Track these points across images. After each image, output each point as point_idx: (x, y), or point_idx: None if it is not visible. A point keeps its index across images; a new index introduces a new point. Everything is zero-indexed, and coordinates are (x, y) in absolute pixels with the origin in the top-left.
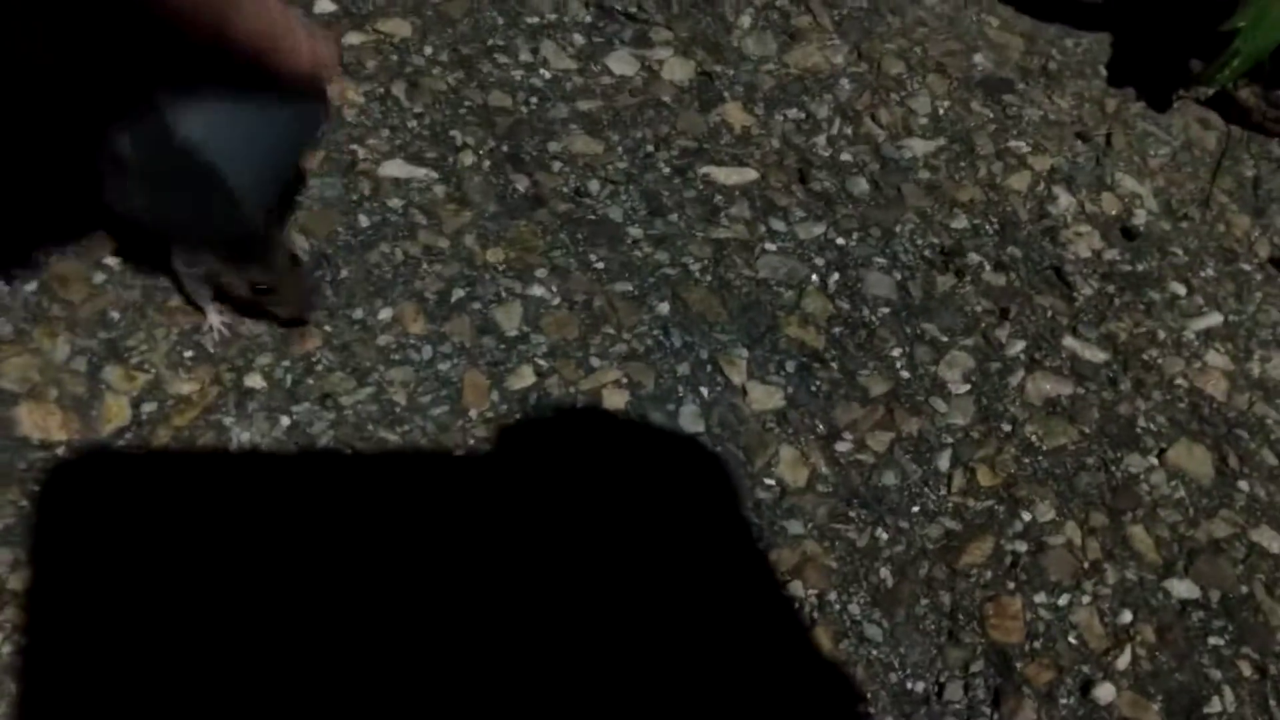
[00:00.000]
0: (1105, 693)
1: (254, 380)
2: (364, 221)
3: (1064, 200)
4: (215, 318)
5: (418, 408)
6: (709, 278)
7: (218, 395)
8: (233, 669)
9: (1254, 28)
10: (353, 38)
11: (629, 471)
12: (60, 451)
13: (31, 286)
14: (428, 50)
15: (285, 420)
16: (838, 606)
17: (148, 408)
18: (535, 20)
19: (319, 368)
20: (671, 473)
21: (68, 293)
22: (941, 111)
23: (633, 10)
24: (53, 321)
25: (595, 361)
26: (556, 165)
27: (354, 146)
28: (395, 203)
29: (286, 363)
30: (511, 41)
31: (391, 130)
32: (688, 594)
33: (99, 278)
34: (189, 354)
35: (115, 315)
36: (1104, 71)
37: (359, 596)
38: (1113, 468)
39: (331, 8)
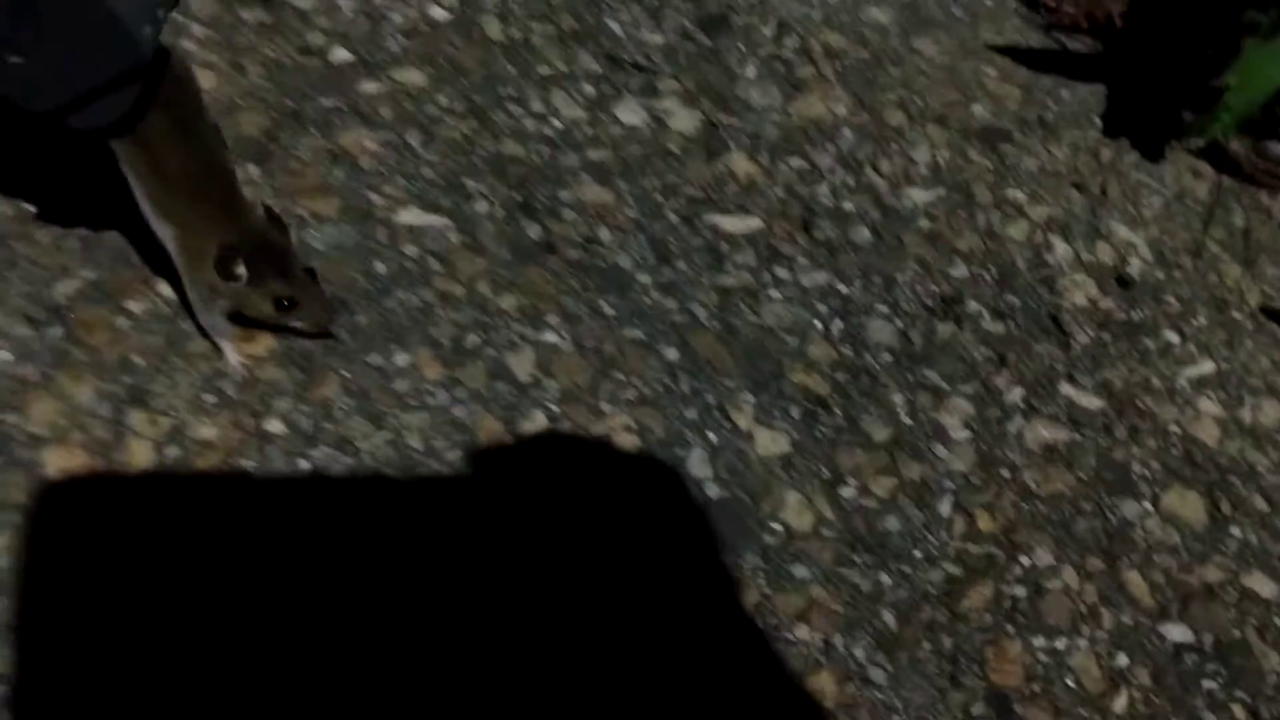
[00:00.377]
0: None
1: (274, 425)
2: (380, 268)
3: (1060, 249)
4: (234, 356)
5: (433, 452)
6: (716, 324)
7: (239, 440)
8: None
9: (1245, 83)
10: (369, 86)
11: (637, 515)
12: (82, 491)
13: (56, 331)
14: (442, 99)
15: (305, 464)
16: (843, 650)
17: (171, 452)
18: (546, 71)
19: (337, 413)
20: (679, 517)
21: (91, 337)
22: (941, 161)
23: (641, 61)
24: (77, 366)
25: (605, 407)
26: (567, 214)
27: (370, 194)
28: (411, 250)
29: (305, 408)
30: (523, 91)
31: (407, 178)
32: (696, 635)
33: (122, 323)
34: (210, 399)
35: (138, 360)
36: (1098, 122)
37: (373, 635)
38: (1109, 513)
39: (348, 57)
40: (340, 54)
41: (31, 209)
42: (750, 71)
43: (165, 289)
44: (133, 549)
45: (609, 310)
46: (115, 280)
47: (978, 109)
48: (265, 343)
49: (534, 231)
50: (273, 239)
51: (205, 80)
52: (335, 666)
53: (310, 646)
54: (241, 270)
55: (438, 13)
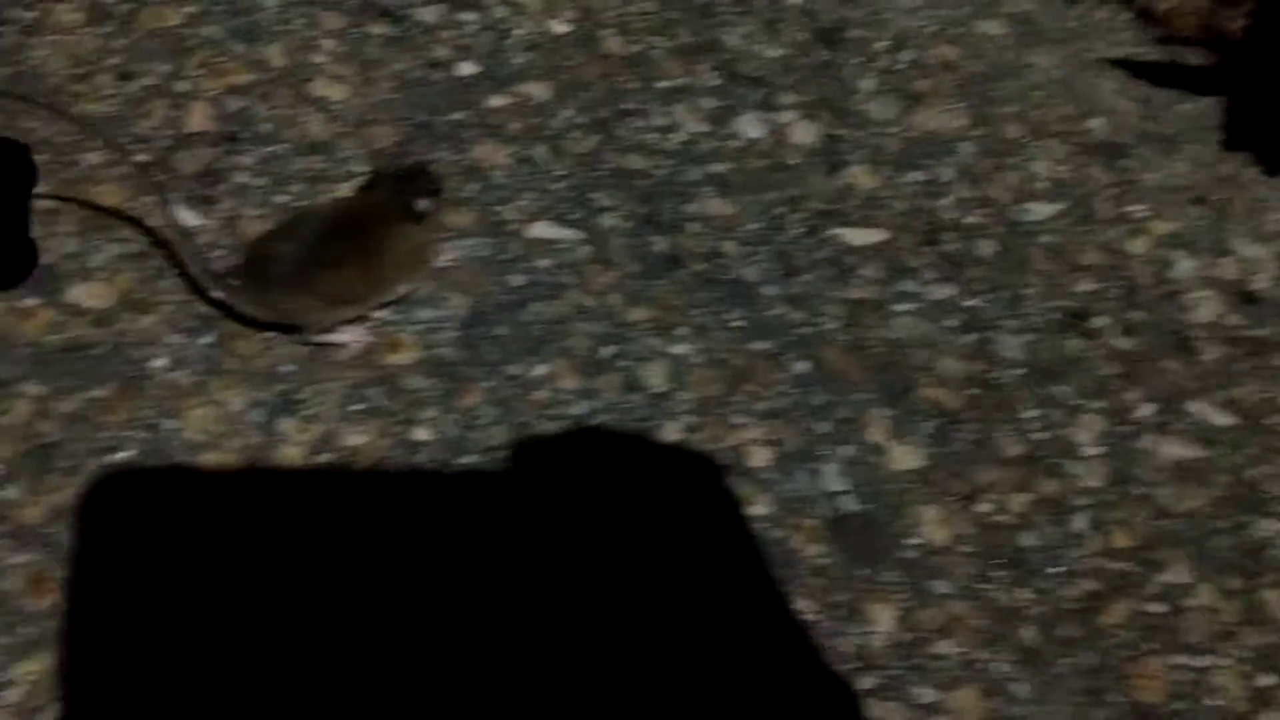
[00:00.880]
0: None
1: (421, 433)
2: (515, 281)
3: (1184, 265)
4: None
5: (575, 461)
6: (845, 337)
7: (389, 447)
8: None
9: None
10: (496, 100)
11: (773, 527)
12: (238, 495)
13: (207, 339)
14: (566, 113)
15: (452, 471)
16: (985, 665)
17: (322, 458)
18: (666, 84)
19: (480, 421)
20: (816, 530)
21: (240, 347)
22: (1061, 175)
23: (759, 74)
24: (228, 374)
25: (739, 418)
26: (693, 226)
27: (502, 208)
28: (544, 263)
29: (452, 416)
30: (645, 105)
31: (536, 192)
32: (839, 649)
33: (269, 332)
34: (358, 407)
35: (286, 368)
36: (1219, 135)
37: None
38: (1243, 532)
39: (474, 71)
40: (466, 68)
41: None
42: (868, 84)
43: None
44: (289, 551)
45: (737, 323)
46: None
47: (1095, 123)
48: (410, 352)
49: (661, 245)
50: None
51: (337, 93)
52: (496, 667)
53: (472, 649)
54: None
55: (558, 27)
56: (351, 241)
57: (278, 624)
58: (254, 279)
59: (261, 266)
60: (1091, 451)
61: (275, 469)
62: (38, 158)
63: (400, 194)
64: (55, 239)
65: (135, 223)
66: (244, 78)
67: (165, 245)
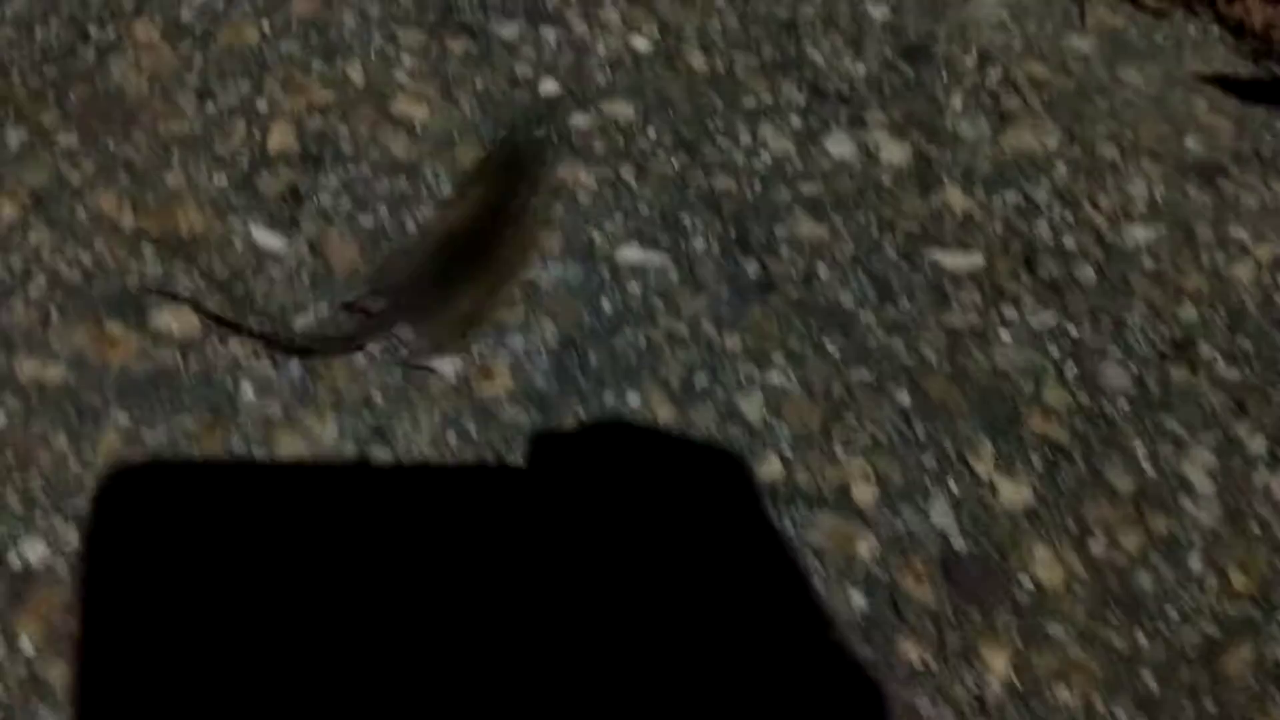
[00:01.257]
0: None
1: (516, 459)
2: (607, 307)
3: None
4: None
5: (673, 494)
6: (946, 366)
7: (484, 478)
8: None
9: None
10: (579, 120)
11: (882, 568)
12: (331, 523)
13: (296, 367)
14: (651, 133)
15: (551, 502)
16: (1104, 712)
17: (416, 489)
18: (752, 103)
19: (573, 452)
20: (927, 571)
21: (331, 376)
22: (1159, 197)
23: (845, 92)
24: (319, 403)
25: (840, 452)
26: (784, 249)
27: (591, 231)
28: (634, 288)
29: (546, 447)
30: (731, 124)
31: (624, 214)
32: (954, 696)
33: (360, 361)
34: (452, 438)
35: (378, 398)
36: None
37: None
38: None
39: (557, 89)
40: (549, 86)
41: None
42: (956, 103)
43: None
44: (382, 580)
45: (834, 351)
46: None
47: (1190, 142)
48: (503, 381)
49: (752, 269)
50: None
51: (419, 112)
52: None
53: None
54: None
55: (640, 43)
56: (476, 256)
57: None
58: (395, 310)
59: (399, 296)
60: (1204, 488)
61: (367, 499)
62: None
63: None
64: (138, 263)
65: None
66: (325, 96)
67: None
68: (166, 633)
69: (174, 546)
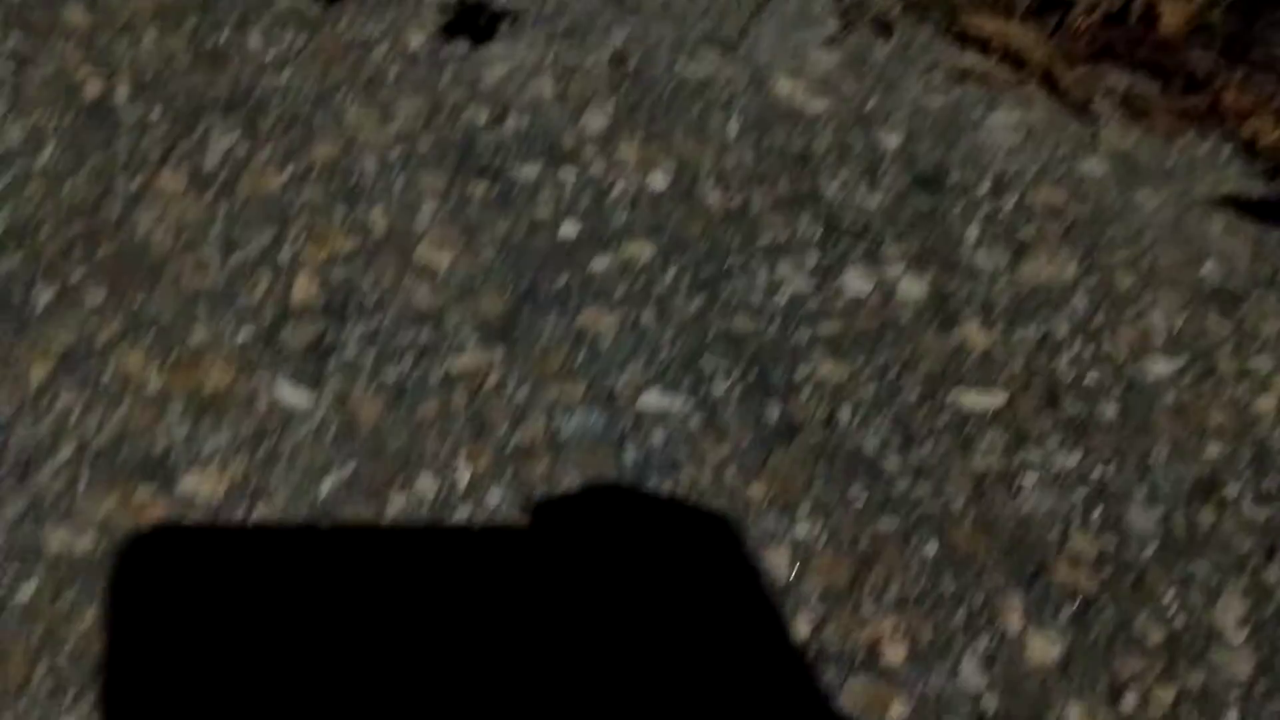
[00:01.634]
0: None
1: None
2: (630, 456)
3: None
4: None
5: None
6: (972, 513)
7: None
8: None
9: None
10: (599, 262)
11: None
12: None
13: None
14: (670, 273)
15: (583, 660)
16: None
17: (460, 659)
18: (768, 240)
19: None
20: None
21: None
22: (1178, 327)
23: (861, 226)
24: None
25: (869, 608)
26: (806, 391)
27: (612, 377)
28: (657, 436)
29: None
30: (748, 262)
31: (645, 358)
32: None
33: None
34: None
35: None
36: None
37: None
38: None
39: (576, 230)
40: (569, 228)
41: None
42: (973, 233)
43: (424, 481)
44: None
45: (859, 499)
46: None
47: (1209, 268)
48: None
49: (774, 412)
50: None
51: (442, 259)
52: None
53: None
54: None
55: (657, 181)
56: None
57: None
58: None
59: None
60: (1236, 636)
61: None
62: (147, 335)
63: None
64: (164, 425)
65: None
66: (347, 244)
67: None
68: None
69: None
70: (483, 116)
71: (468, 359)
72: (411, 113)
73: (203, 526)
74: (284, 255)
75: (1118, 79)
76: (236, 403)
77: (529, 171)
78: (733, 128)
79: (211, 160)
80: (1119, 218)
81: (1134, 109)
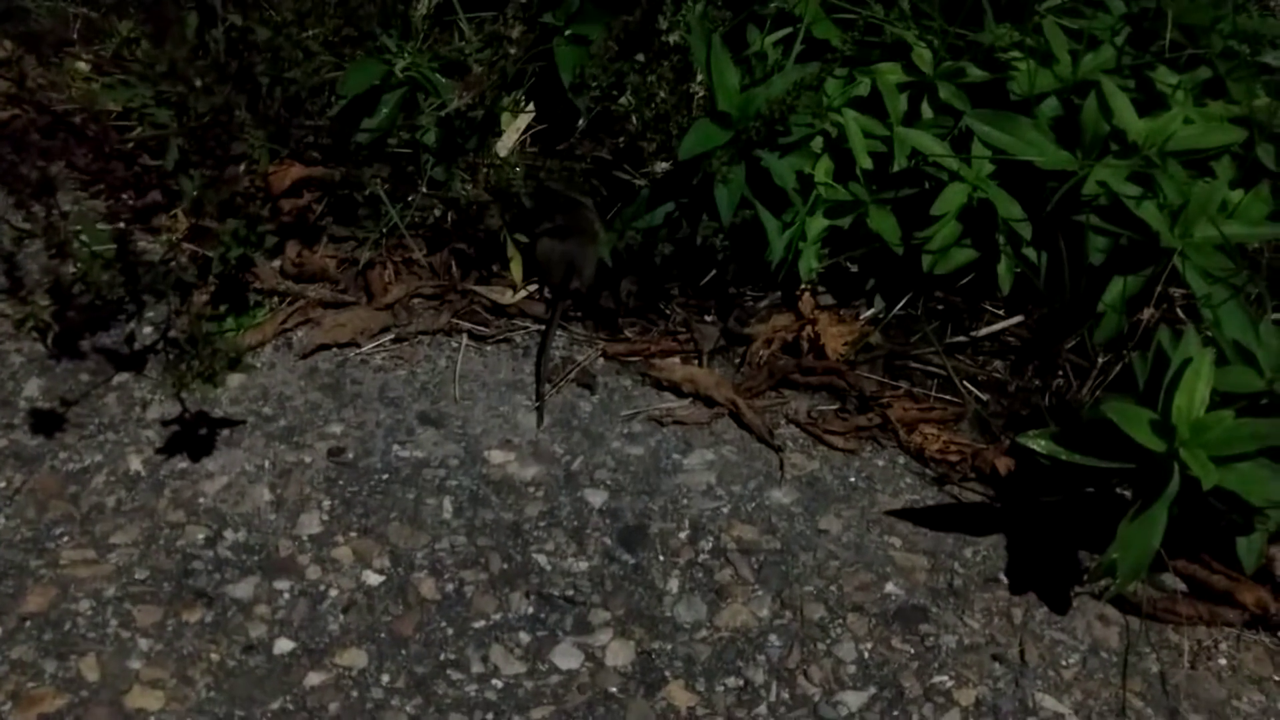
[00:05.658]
0: None
1: None
2: None
3: None
4: None
5: None
6: None
7: None
8: None
9: (1125, 556)
10: (313, 678)
11: None
12: None
13: None
14: (385, 679)
15: None
16: None
17: None
18: (481, 623)
19: None
20: None
21: None
22: (866, 655)
23: (570, 594)
24: None
25: None
26: None
27: None
28: None
29: None
30: (462, 652)
31: None
32: None
33: None
34: None
35: None
36: (1004, 579)
37: None
38: None
39: (290, 646)
40: (283, 644)
41: None
42: (673, 585)
43: None
44: None
45: None
46: None
47: (890, 587)
48: None
49: None
50: None
51: (153, 702)
52: None
53: None
54: None
55: (371, 577)
56: None
57: None
58: None
59: None
60: None
61: None
62: None
63: None
64: None
65: None
66: (57, 702)
67: None
68: None
69: None
70: (200, 536)
71: None
72: (129, 542)
73: None
74: None
75: (799, 404)
76: None
77: (244, 588)
78: (447, 508)
79: None
80: (807, 547)
81: (814, 432)
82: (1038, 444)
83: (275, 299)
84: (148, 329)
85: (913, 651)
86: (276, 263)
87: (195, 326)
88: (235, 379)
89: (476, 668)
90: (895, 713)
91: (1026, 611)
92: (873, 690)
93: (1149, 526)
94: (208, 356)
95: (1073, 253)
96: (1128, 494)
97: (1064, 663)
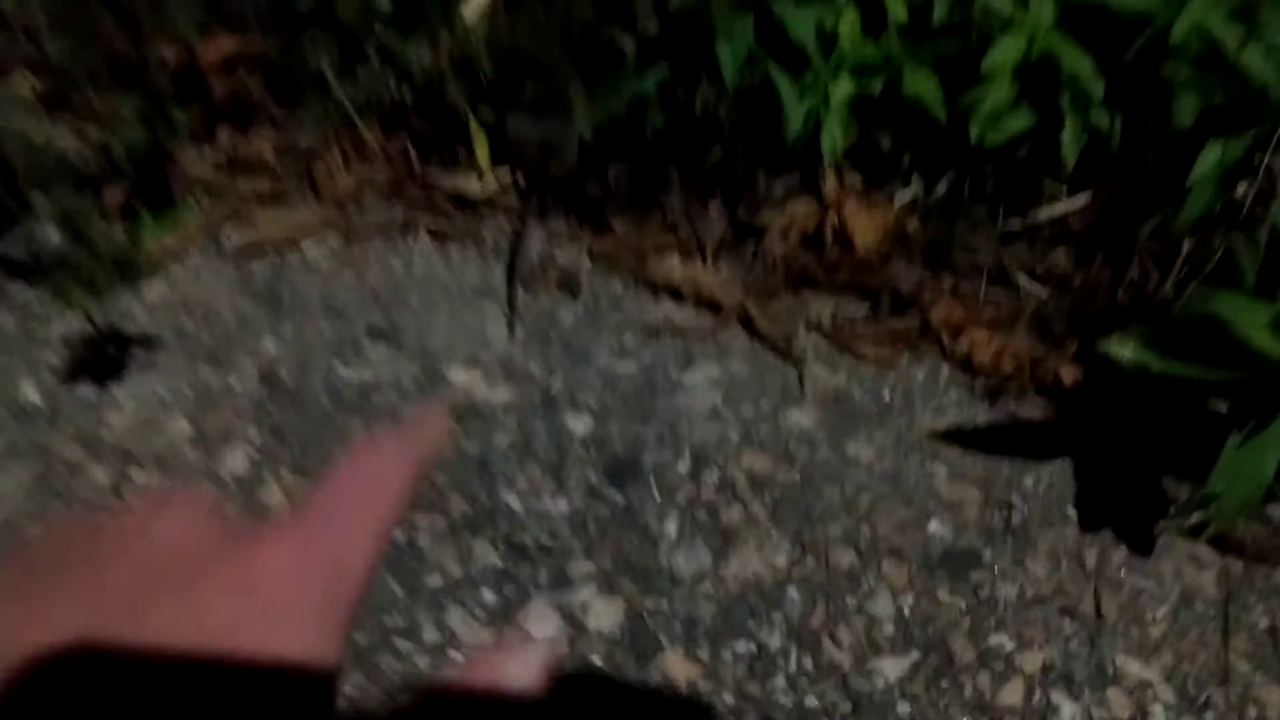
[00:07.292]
0: None
1: None
2: None
3: (1067, 710)
4: None
5: None
6: None
7: None
8: None
9: (1231, 486)
10: None
11: None
12: None
13: None
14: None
15: None
16: None
17: None
18: (437, 580)
19: None
20: None
21: None
22: (906, 610)
23: (545, 542)
24: None
25: None
26: None
27: None
28: None
29: None
30: (412, 617)
31: None
32: None
33: None
34: None
35: None
36: (1073, 513)
37: None
38: None
39: None
40: None
41: None
42: (670, 528)
43: None
44: None
45: None
46: None
47: (935, 526)
48: None
49: None
50: None
51: None
52: None
53: None
54: None
55: None
56: None
57: None
58: None
59: None
60: None
61: None
62: None
63: None
64: None
65: None
66: None
67: None
68: None
69: None
70: (102, 477)
71: None
72: (13, 487)
73: None
74: None
75: (821, 307)
76: None
77: None
78: None
79: None
80: (832, 478)
81: (840, 340)
82: (1124, 350)
83: (203, 194)
84: (58, 235)
85: (964, 606)
86: (206, 151)
87: (95, 229)
88: (155, 289)
89: (430, 635)
90: (944, 683)
91: (1101, 554)
92: (915, 655)
93: (1263, 451)
94: (104, 265)
95: (1154, 116)
96: (1222, 409)
97: (1149, 617)
